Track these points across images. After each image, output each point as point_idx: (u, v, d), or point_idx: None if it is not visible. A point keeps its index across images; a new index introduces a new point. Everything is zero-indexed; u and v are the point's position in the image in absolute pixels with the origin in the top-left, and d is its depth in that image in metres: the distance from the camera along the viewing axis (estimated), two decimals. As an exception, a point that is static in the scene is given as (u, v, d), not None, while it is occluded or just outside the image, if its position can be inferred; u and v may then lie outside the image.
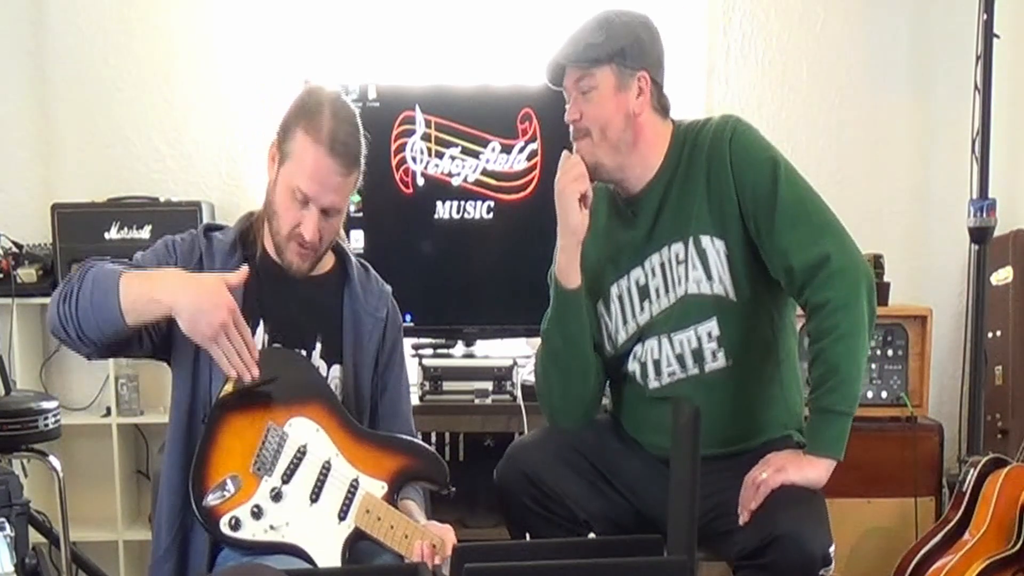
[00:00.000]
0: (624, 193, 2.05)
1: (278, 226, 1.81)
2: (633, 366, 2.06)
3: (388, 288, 2.05)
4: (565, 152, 2.01)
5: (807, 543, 1.77)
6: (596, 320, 2.09)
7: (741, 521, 1.85)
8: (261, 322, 1.84)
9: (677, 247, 1.99)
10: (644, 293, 2.03)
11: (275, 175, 1.81)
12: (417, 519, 1.84)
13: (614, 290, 2.06)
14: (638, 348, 2.05)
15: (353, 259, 1.99)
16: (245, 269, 1.74)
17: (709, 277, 1.97)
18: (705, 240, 1.97)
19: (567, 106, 2.02)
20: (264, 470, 1.75)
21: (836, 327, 1.86)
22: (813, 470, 1.86)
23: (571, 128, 2.01)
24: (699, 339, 1.99)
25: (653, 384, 2.03)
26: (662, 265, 2.01)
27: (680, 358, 2.00)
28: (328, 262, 1.95)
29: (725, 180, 1.95)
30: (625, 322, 2.06)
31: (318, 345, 1.90)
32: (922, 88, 3.31)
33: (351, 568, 1.76)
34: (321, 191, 1.77)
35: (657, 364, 2.02)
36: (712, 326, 1.98)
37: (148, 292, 1.66)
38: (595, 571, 1.37)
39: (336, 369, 1.91)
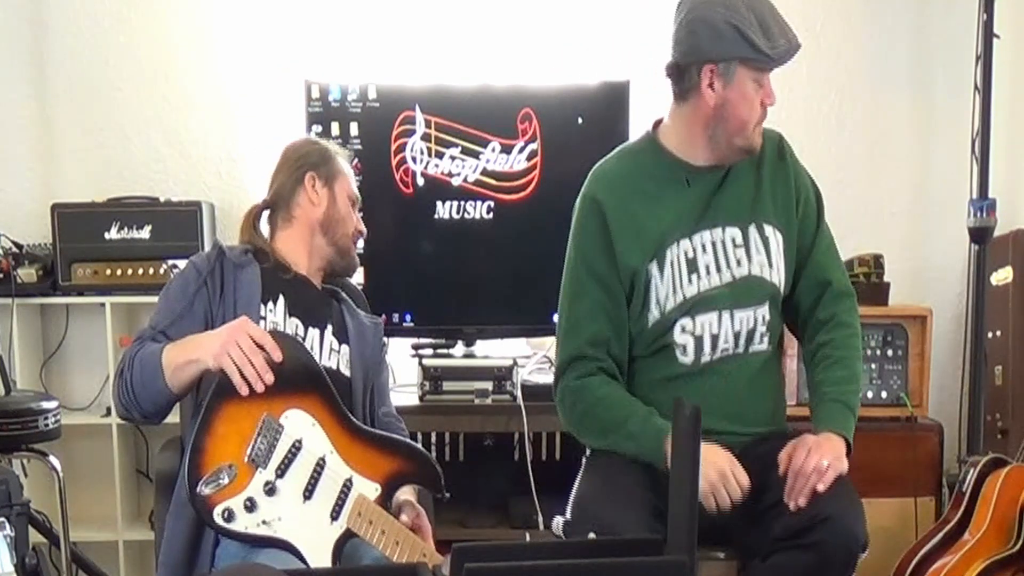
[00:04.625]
0: (683, 158, 2.03)
1: (343, 231, 2.12)
2: (683, 339, 2.00)
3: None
4: (729, 458, 1.91)
5: (854, 525, 1.82)
6: (644, 283, 2.00)
7: (794, 507, 1.84)
8: (281, 297, 1.99)
9: (733, 231, 2.01)
10: (692, 266, 2.00)
11: (328, 195, 2.11)
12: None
13: (668, 254, 2.01)
14: (687, 321, 2.00)
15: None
16: (270, 334, 1.83)
17: (770, 265, 2.02)
18: (768, 229, 2.02)
19: (767, 87, 1.98)
20: (259, 462, 1.75)
21: (856, 348, 2.06)
22: (845, 458, 1.93)
23: (765, 110, 1.99)
24: (755, 321, 2.02)
25: (706, 359, 2.01)
26: (713, 244, 2.01)
27: (737, 336, 2.01)
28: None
29: (786, 180, 2.06)
30: (674, 291, 2.00)
31: (329, 326, 2.05)
32: (922, 88, 3.30)
33: (351, 568, 1.77)
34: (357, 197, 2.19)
35: (715, 339, 2.00)
36: (765, 311, 2.03)
37: (185, 356, 1.80)
38: (595, 571, 1.37)
39: (345, 347, 2.06)
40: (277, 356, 1.77)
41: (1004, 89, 3.06)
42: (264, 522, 1.74)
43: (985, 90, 2.93)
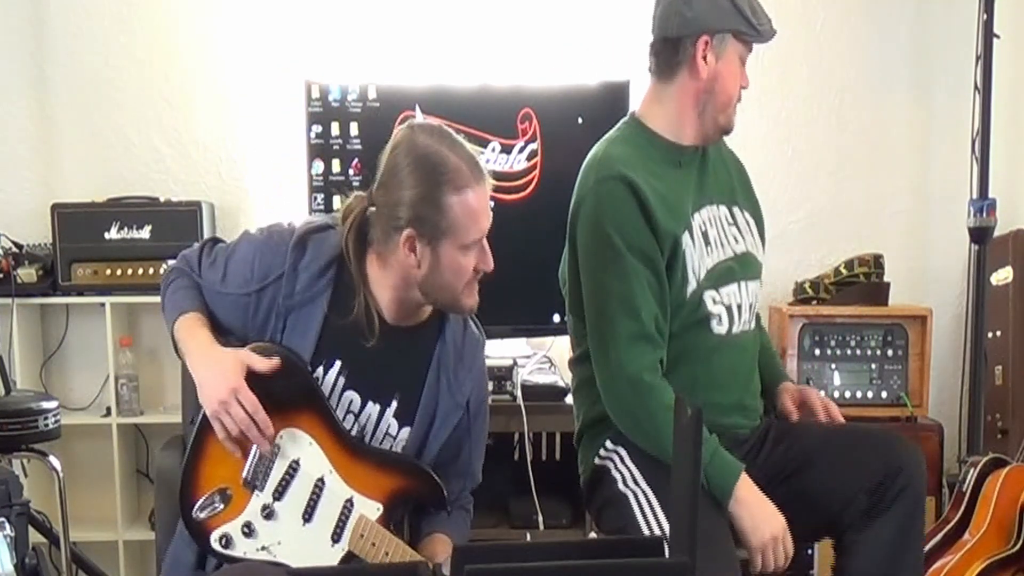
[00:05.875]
0: (672, 139, 2.03)
1: (453, 289, 1.78)
2: (717, 309, 2.00)
3: (483, 338, 1.97)
4: (784, 525, 1.92)
5: (916, 456, 2.01)
6: (682, 252, 1.97)
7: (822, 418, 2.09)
8: (337, 363, 1.79)
9: (723, 209, 2.07)
10: (706, 239, 2.02)
11: (432, 256, 1.73)
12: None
13: (694, 225, 2.00)
14: (713, 292, 2.00)
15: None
16: (276, 361, 1.70)
17: (755, 243, 2.10)
18: (747, 213, 2.11)
19: (744, 69, 2.01)
20: (255, 484, 1.72)
21: None
22: None
23: (741, 93, 2.02)
24: (756, 295, 2.09)
25: (736, 328, 2.03)
26: (713, 220, 2.05)
27: (750, 307, 2.07)
28: (427, 309, 1.87)
29: (743, 174, 2.16)
30: (700, 261, 2.00)
31: (394, 404, 1.83)
32: (922, 88, 3.30)
33: (351, 568, 1.75)
34: (488, 220, 1.77)
35: (740, 308, 2.03)
36: (757, 287, 2.09)
37: (183, 349, 1.74)
38: (595, 571, 1.37)
39: (406, 431, 1.85)
40: (269, 432, 1.68)
41: (1004, 89, 3.07)
42: (264, 547, 1.70)
43: (985, 90, 2.93)
